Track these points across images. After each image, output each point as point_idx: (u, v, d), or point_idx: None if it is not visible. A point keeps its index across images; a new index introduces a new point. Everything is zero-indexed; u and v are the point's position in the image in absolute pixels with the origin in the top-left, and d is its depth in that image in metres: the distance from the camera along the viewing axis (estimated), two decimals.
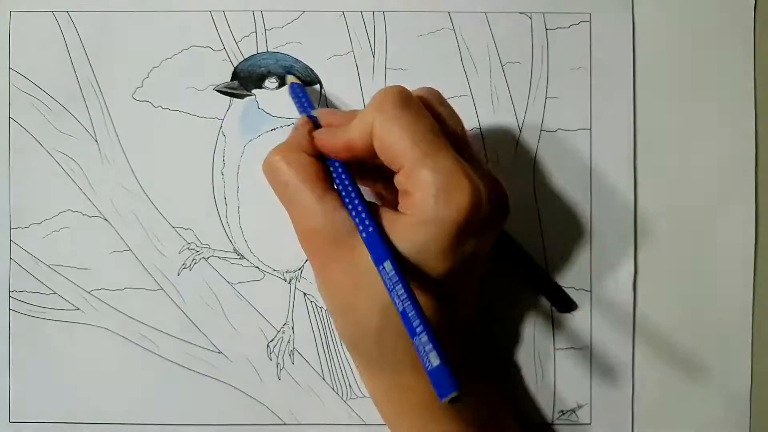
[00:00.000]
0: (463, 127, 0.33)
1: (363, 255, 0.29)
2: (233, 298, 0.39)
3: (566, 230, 0.38)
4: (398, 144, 0.29)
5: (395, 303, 0.27)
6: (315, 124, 0.33)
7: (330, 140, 0.31)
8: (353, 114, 0.32)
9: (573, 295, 0.38)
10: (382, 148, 0.30)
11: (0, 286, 0.39)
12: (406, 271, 0.28)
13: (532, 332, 0.39)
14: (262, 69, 0.38)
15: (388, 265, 0.28)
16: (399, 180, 0.30)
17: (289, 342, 0.39)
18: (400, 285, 0.27)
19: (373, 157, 0.31)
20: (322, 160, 0.32)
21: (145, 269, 0.39)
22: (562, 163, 0.39)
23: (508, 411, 0.37)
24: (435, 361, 0.25)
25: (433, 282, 0.29)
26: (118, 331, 0.38)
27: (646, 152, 0.39)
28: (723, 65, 0.39)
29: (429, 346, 0.25)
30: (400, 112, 0.29)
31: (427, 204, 0.28)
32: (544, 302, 0.38)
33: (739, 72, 0.39)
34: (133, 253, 0.39)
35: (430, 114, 0.30)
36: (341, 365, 0.39)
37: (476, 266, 0.31)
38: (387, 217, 0.30)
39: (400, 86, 0.30)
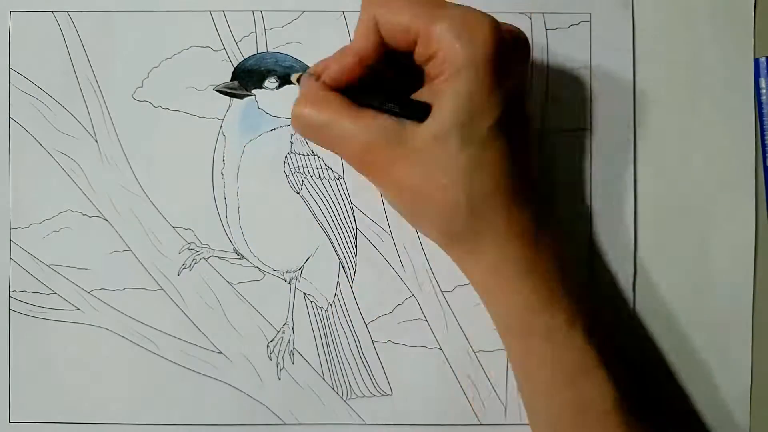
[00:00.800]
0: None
1: (416, 140, 0.30)
2: (233, 298, 0.39)
3: (566, 230, 0.38)
4: (404, 17, 0.30)
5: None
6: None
7: (341, 67, 0.31)
8: (342, 48, 0.32)
9: None
10: (391, 32, 0.30)
11: (0, 286, 0.39)
12: (464, 130, 0.29)
13: None
14: (262, 69, 0.38)
15: None
16: (419, 52, 0.30)
17: (289, 342, 0.39)
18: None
19: (380, 58, 0.31)
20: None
21: (145, 269, 0.39)
22: (562, 162, 0.39)
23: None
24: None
25: (493, 134, 0.30)
26: (118, 331, 0.38)
27: (646, 152, 0.39)
28: (723, 65, 0.39)
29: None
30: None
31: (454, 51, 0.29)
32: None
33: (739, 72, 0.39)
34: (133, 253, 0.39)
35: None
36: (341, 365, 0.39)
37: (521, 110, 0.32)
38: (425, 95, 0.30)
39: None
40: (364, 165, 0.32)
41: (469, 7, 0.30)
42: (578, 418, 0.32)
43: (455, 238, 0.32)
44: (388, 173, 0.31)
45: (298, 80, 0.33)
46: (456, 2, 0.31)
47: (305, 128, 0.32)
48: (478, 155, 0.30)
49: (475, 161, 0.30)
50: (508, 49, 0.30)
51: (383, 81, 0.32)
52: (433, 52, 0.30)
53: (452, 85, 0.29)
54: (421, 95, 0.31)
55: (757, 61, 0.39)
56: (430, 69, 0.31)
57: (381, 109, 0.31)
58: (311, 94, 0.31)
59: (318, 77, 0.32)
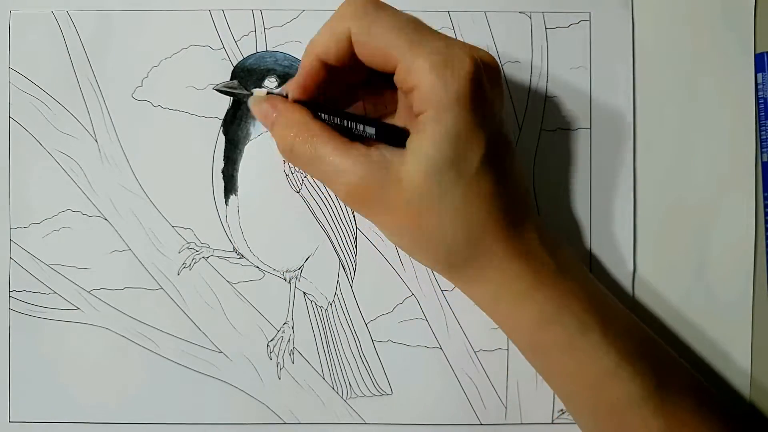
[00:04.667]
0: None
1: (405, 180, 0.30)
2: (233, 297, 0.39)
3: (566, 230, 0.38)
4: (386, 42, 0.30)
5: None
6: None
7: (304, 73, 0.31)
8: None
9: None
10: (369, 52, 0.30)
11: (0, 286, 0.39)
12: (455, 166, 0.29)
13: None
14: (262, 68, 0.38)
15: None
16: (398, 78, 0.30)
17: (289, 341, 0.39)
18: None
19: (345, 65, 0.31)
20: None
21: (145, 269, 0.39)
22: (562, 162, 0.39)
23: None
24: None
25: (484, 165, 0.30)
26: (118, 330, 0.39)
27: (646, 152, 0.39)
28: (723, 65, 0.39)
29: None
30: (377, 13, 0.30)
31: (438, 90, 0.29)
32: None
33: (739, 71, 0.39)
34: (133, 253, 0.39)
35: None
36: (341, 365, 0.39)
37: (504, 133, 0.32)
38: (411, 127, 0.30)
39: None
40: (356, 202, 0.32)
41: (449, 40, 0.30)
42: (613, 418, 0.32)
43: (455, 269, 0.33)
44: (382, 210, 0.31)
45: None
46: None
47: (295, 161, 0.32)
48: (471, 188, 0.30)
49: (469, 195, 0.30)
50: (486, 79, 0.30)
51: (356, 105, 0.33)
52: (413, 85, 0.30)
53: (439, 124, 0.29)
54: (406, 128, 0.31)
55: (758, 56, 0.38)
56: (411, 101, 0.30)
57: (357, 132, 0.31)
58: (292, 121, 0.31)
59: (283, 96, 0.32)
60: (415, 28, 0.30)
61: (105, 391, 0.38)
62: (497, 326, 0.34)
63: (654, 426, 0.31)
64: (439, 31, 0.31)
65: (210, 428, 0.38)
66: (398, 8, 0.38)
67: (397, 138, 0.30)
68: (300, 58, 0.38)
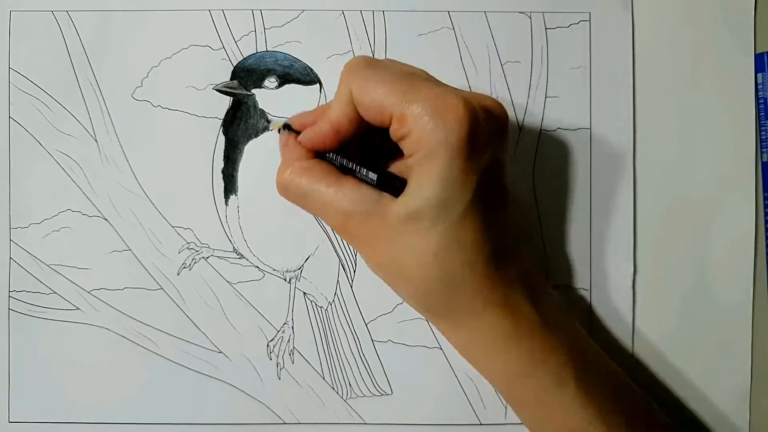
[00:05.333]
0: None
1: (389, 216, 0.30)
2: (233, 297, 0.39)
3: (566, 230, 0.38)
4: (379, 96, 0.30)
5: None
6: (292, 130, 0.33)
7: (317, 134, 0.32)
8: (322, 107, 0.33)
9: (573, 294, 0.38)
10: (366, 109, 0.31)
11: (0, 286, 0.39)
12: (437, 211, 0.29)
13: None
14: (262, 68, 0.38)
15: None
16: (393, 129, 0.30)
17: (289, 341, 0.39)
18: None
19: (360, 129, 0.32)
20: (321, 157, 0.33)
21: (145, 269, 0.39)
22: (562, 162, 0.39)
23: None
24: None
25: (467, 212, 0.30)
26: (117, 331, 0.39)
27: (646, 152, 0.39)
28: (723, 65, 0.39)
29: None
30: (370, 71, 0.31)
31: (428, 133, 0.29)
32: None
33: (739, 71, 0.39)
34: (133, 253, 0.39)
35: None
36: (341, 365, 0.39)
37: (499, 181, 0.32)
38: (401, 170, 0.31)
39: (360, 55, 0.32)
40: (345, 233, 0.32)
41: (447, 88, 0.30)
42: None
43: (432, 310, 0.33)
44: (367, 244, 0.31)
45: (280, 129, 0.34)
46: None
47: (291, 197, 0.32)
48: (451, 234, 0.30)
49: (449, 240, 0.30)
50: (482, 127, 0.30)
51: (364, 148, 0.33)
52: (406, 132, 0.30)
53: (426, 167, 0.29)
54: (396, 170, 0.31)
55: (758, 56, 0.38)
56: (403, 146, 0.31)
57: (360, 176, 0.31)
58: (291, 162, 0.32)
59: (295, 136, 0.33)
60: (410, 80, 0.30)
61: (105, 391, 0.38)
62: None
63: None
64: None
65: (210, 428, 0.38)
66: (399, 9, 0.39)
67: (398, 187, 0.31)
68: (299, 58, 0.39)
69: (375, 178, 0.31)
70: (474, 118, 0.29)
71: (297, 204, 0.33)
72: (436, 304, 0.32)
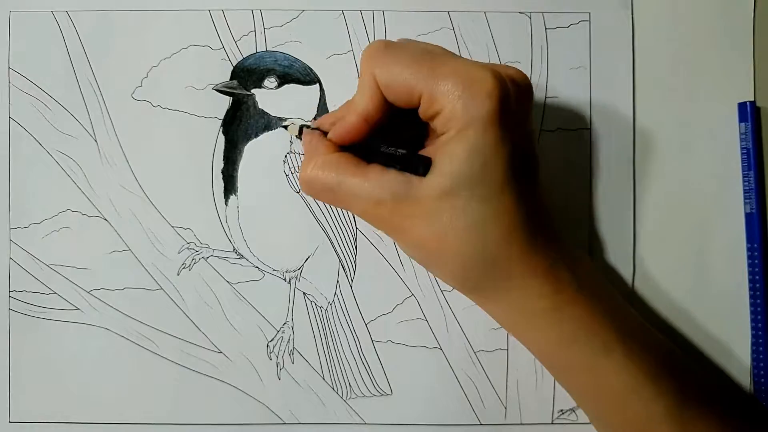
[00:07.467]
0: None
1: (424, 196, 0.30)
2: (233, 298, 0.39)
3: (566, 230, 0.38)
4: (406, 77, 0.30)
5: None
6: (314, 130, 0.33)
7: (346, 127, 0.32)
8: (346, 103, 0.33)
9: None
10: (394, 91, 0.30)
11: (0, 286, 0.39)
12: (475, 186, 0.29)
13: None
14: (262, 68, 0.38)
15: None
16: (423, 109, 0.30)
17: (288, 342, 0.39)
18: None
19: (387, 115, 0.31)
20: (344, 149, 0.32)
21: (145, 269, 0.39)
22: (562, 162, 0.39)
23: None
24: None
25: (505, 185, 0.30)
26: (117, 331, 0.39)
27: (646, 152, 0.39)
28: (722, 65, 0.39)
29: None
30: (391, 54, 0.30)
31: (459, 109, 0.29)
32: None
33: (739, 71, 0.39)
34: (133, 253, 0.39)
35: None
36: (341, 365, 0.39)
37: (530, 151, 0.32)
38: (431, 150, 0.30)
39: (377, 39, 0.32)
40: (377, 221, 0.32)
41: (471, 61, 0.30)
42: None
43: (473, 286, 0.33)
44: (401, 228, 0.31)
45: (300, 133, 0.33)
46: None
47: (317, 192, 0.32)
48: (489, 207, 0.30)
49: (488, 214, 0.30)
50: (512, 97, 0.30)
51: (386, 133, 0.32)
52: (437, 110, 0.30)
53: (461, 143, 0.29)
54: (428, 151, 0.31)
55: (741, 105, 0.38)
56: (435, 125, 0.31)
57: (384, 163, 0.31)
58: (316, 157, 0.32)
59: (322, 132, 0.33)
60: (432, 57, 0.30)
61: (105, 392, 0.38)
62: (497, 326, 0.34)
63: None
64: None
65: (210, 428, 0.38)
66: (399, 9, 0.39)
67: (424, 166, 0.30)
68: (299, 58, 0.39)
69: (399, 164, 0.31)
70: (504, 89, 0.29)
71: (321, 199, 0.33)
72: (476, 279, 0.32)
